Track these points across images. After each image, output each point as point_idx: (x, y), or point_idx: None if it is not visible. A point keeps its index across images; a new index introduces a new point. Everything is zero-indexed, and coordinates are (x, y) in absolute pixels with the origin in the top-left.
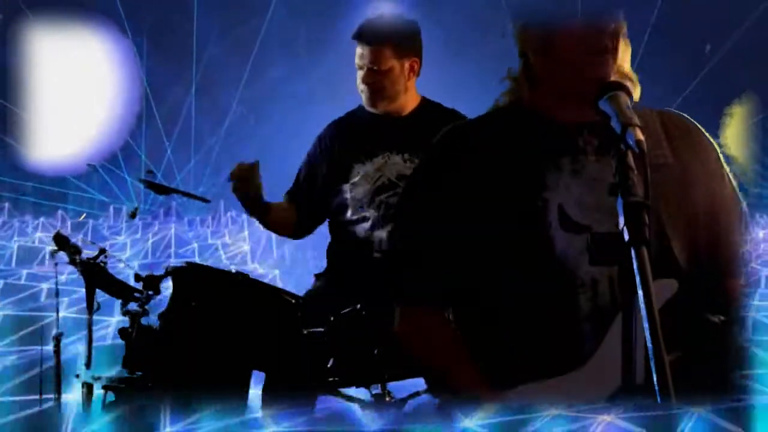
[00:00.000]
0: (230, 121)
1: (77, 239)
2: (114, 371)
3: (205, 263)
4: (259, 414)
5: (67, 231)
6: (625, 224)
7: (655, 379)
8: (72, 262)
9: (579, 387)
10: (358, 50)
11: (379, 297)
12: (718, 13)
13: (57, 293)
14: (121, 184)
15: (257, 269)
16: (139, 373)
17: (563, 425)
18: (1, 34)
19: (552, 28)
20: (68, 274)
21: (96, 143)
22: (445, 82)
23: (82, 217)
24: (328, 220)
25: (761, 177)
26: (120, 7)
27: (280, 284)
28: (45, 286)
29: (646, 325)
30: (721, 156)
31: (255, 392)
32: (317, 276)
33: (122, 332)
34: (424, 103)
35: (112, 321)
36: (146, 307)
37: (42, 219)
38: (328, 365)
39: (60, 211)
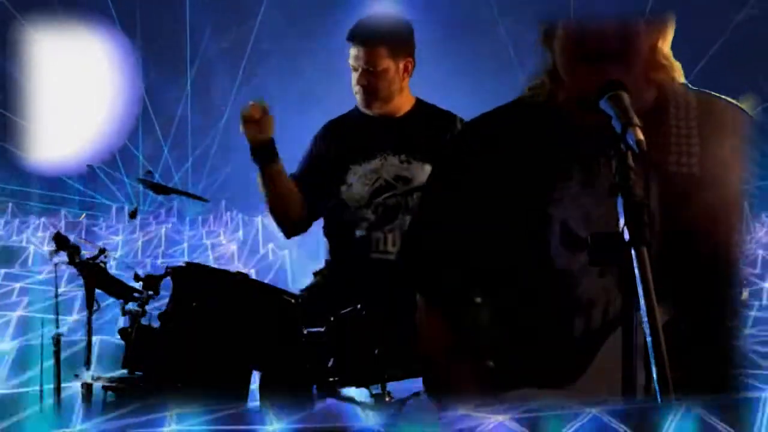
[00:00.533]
0: (226, 119)
1: (77, 239)
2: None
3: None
4: (258, 412)
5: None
6: (625, 224)
7: (655, 379)
8: (72, 262)
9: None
10: (353, 51)
11: (378, 297)
12: (709, 10)
13: (57, 293)
14: (119, 184)
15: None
16: (139, 373)
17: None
18: None
19: (564, 28)
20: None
21: (94, 144)
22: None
23: (82, 217)
24: (323, 221)
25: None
26: (113, 9)
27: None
28: (42, 286)
29: (646, 325)
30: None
31: (254, 392)
32: (315, 274)
33: (122, 332)
34: (419, 104)
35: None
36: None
37: (43, 219)
38: (328, 365)
39: (63, 211)
